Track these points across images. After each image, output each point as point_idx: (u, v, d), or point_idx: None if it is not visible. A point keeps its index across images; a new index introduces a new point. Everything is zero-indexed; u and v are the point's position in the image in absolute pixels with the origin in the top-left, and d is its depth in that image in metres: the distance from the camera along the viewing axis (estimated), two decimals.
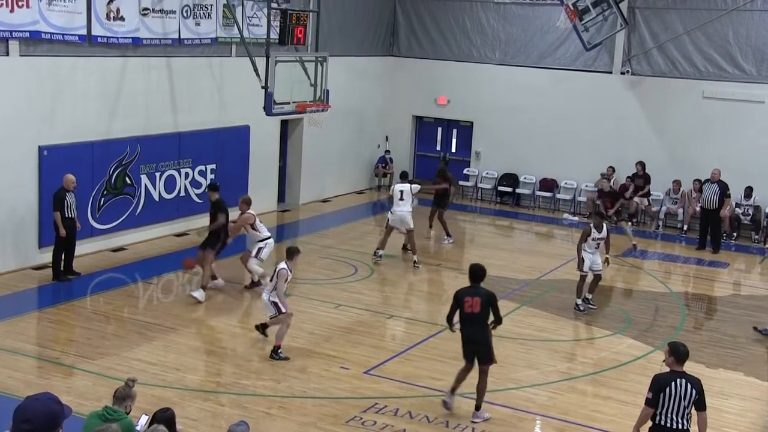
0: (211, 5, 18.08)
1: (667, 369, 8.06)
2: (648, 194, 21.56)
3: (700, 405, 7.96)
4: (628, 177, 21.46)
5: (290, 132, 21.69)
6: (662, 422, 7.92)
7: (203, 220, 16.22)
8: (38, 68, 15.05)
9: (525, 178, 23.59)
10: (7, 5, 14.11)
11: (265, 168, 20.40)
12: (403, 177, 18.20)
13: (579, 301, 14.80)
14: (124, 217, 16.86)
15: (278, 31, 16.25)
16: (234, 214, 15.09)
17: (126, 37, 16.31)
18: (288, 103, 16.30)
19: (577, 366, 12.57)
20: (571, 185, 23.08)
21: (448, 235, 19.10)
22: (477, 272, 10.36)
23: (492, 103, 23.56)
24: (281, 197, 21.74)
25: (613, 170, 21.51)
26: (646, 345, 13.35)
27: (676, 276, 18.24)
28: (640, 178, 21.40)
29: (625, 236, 19.37)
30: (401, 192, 17.06)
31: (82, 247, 15.55)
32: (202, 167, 18.42)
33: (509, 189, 23.71)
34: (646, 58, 22.10)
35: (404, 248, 17.80)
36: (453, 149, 24.88)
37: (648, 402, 7.99)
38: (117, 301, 14.06)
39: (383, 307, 14.71)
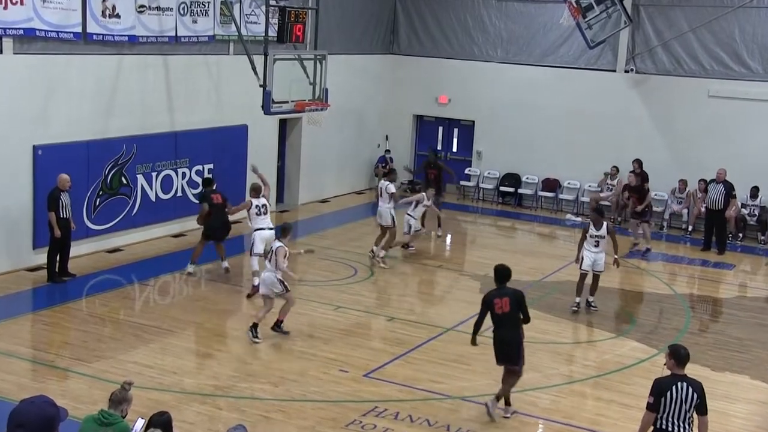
0: (209, 2, 17.93)
1: (668, 372, 7.94)
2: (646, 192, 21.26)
3: (702, 409, 7.84)
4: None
5: (289, 131, 21.53)
6: (664, 426, 7.81)
7: None
8: (32, 66, 14.88)
9: (527, 178, 23.39)
10: (0, 2, 13.93)
11: (264, 168, 20.05)
12: (386, 174, 18.28)
13: (577, 299, 14.61)
14: (120, 217, 16.70)
15: (276, 28, 16.12)
16: None
17: (122, 35, 16.16)
18: (287, 102, 16.18)
19: (580, 369, 12.42)
20: (574, 185, 22.86)
21: (438, 225, 18.98)
22: (503, 273, 10.56)
23: (494, 102, 23.37)
24: (280, 197, 21.60)
25: (617, 170, 21.33)
26: (650, 348, 13.17)
27: (681, 277, 18.04)
28: (637, 176, 21.08)
29: (631, 237, 19.22)
30: (381, 189, 17.23)
31: (77, 248, 15.38)
32: (199, 167, 18.26)
33: (511, 189, 23.51)
34: (651, 56, 21.87)
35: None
36: (454, 149, 24.71)
37: (649, 407, 7.88)
38: (113, 303, 13.92)
39: (383, 309, 14.53)
